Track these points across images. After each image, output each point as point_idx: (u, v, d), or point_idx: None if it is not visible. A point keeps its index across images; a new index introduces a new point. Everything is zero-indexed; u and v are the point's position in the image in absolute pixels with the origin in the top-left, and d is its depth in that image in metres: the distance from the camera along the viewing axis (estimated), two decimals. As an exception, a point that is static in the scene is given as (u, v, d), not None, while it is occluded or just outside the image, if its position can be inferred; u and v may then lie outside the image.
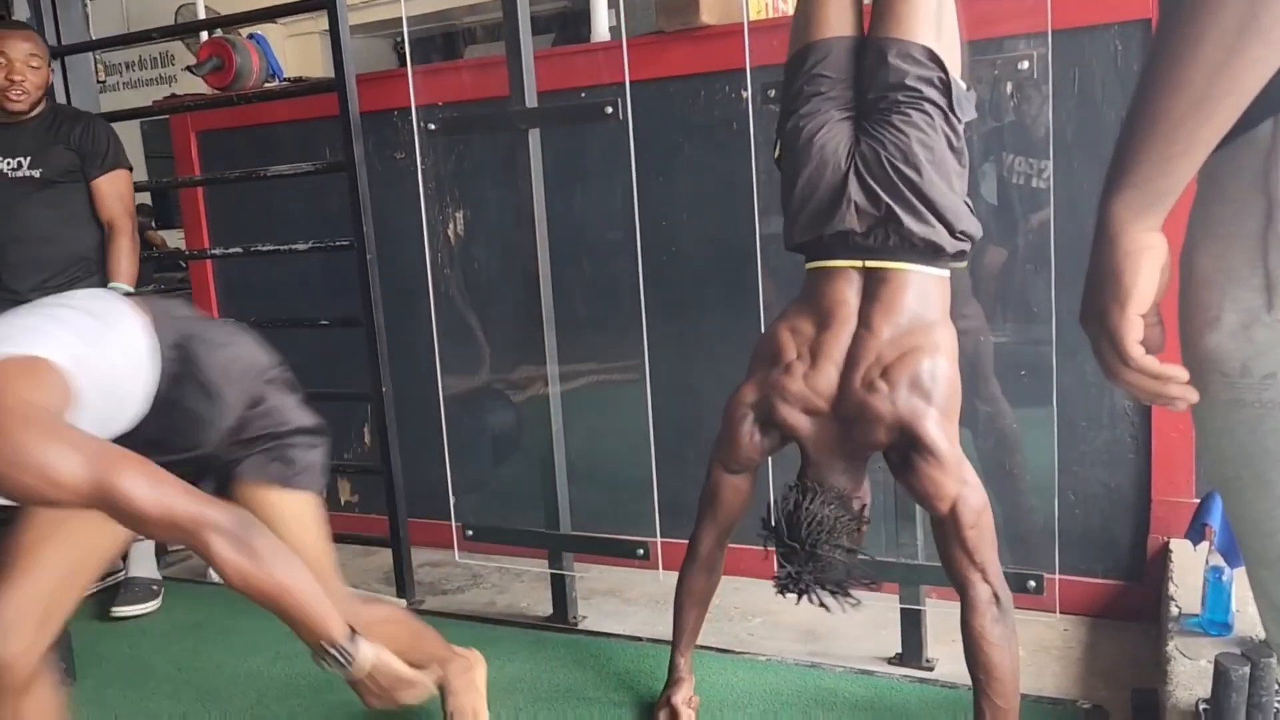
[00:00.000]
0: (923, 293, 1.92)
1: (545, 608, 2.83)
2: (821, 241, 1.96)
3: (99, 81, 3.43)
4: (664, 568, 2.58)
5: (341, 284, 3.37)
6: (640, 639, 2.58)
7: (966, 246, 1.95)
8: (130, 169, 2.95)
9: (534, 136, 2.60)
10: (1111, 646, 2.45)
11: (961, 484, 1.83)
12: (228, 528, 1.38)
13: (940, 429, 1.84)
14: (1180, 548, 2.40)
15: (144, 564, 3.10)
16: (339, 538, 3.21)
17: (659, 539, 2.57)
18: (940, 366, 1.87)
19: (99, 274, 2.88)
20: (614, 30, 3.13)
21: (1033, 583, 2.23)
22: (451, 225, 3.21)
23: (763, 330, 2.52)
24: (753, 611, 2.73)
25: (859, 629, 2.60)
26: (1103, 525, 2.57)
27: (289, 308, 3.49)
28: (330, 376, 3.42)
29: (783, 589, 1.90)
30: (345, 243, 2.86)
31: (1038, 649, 2.44)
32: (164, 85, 7.43)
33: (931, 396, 1.85)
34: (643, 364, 2.58)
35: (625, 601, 2.88)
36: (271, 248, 3.05)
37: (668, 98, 2.84)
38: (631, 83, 2.63)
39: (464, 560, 2.99)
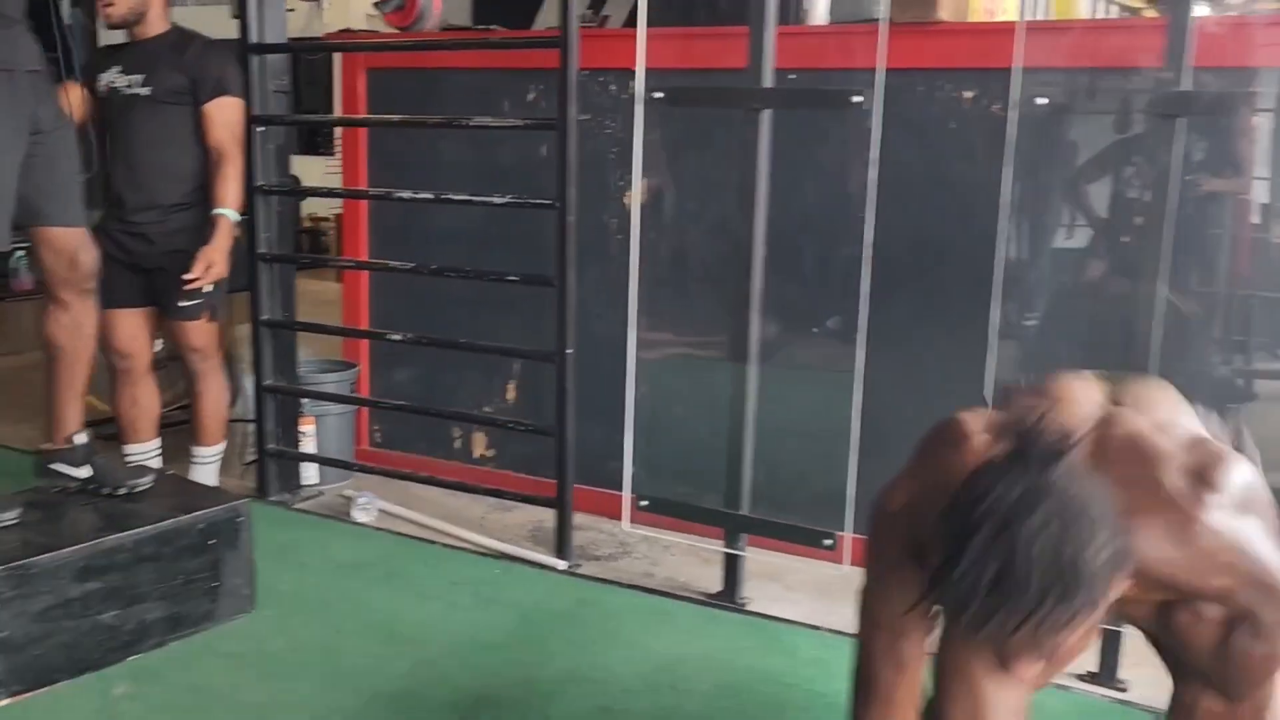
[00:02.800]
0: None
1: (702, 582, 2.84)
2: None
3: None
4: (851, 562, 2.59)
5: (497, 237, 3.36)
6: (819, 628, 2.59)
7: None
8: (243, 98, 2.95)
9: (765, 117, 2.57)
10: None
11: None
12: None
13: None
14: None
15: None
16: (474, 490, 3.26)
17: (850, 534, 2.56)
18: None
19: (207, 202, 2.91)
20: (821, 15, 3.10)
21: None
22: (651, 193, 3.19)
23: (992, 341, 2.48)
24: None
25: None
26: None
27: (439, 256, 3.46)
28: (472, 328, 3.37)
29: None
30: (547, 202, 2.83)
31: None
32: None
33: None
34: (853, 353, 2.56)
35: (787, 588, 2.88)
36: (464, 198, 3.02)
37: (889, 90, 2.80)
38: (851, 70, 2.61)
39: (610, 529, 3.00)
